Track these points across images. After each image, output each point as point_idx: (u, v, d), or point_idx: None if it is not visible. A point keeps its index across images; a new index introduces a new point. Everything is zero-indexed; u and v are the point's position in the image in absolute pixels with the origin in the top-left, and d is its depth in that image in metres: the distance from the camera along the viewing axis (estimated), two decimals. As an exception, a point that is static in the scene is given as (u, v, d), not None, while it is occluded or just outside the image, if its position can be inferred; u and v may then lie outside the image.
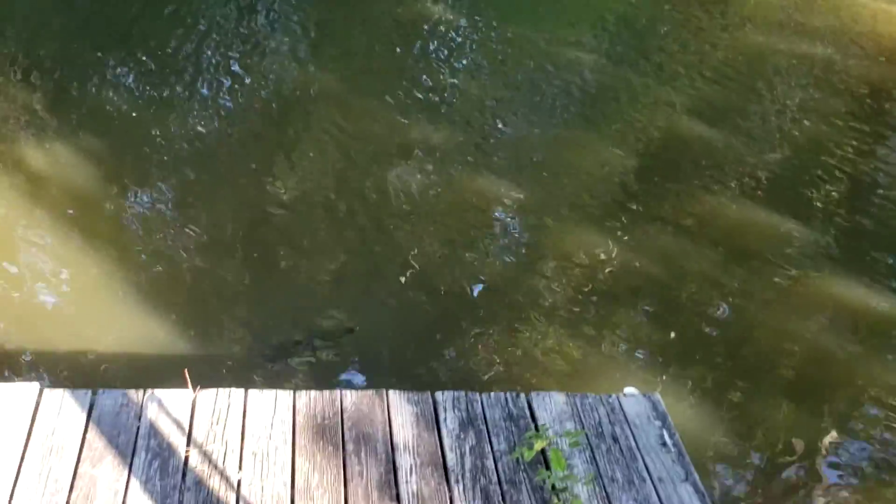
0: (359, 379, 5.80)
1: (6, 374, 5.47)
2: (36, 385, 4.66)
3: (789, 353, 6.46)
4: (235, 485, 4.33)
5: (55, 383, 4.76)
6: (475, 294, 6.58)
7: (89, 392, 4.68)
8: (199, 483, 4.33)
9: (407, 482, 4.41)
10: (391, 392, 4.85)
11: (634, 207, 7.54)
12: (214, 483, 4.33)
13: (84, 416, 4.57)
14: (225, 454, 4.46)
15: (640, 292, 6.73)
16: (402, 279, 6.63)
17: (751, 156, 8.36)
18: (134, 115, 7.98)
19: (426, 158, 7.81)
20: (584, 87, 9.15)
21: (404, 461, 4.51)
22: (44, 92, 8.07)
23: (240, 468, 4.41)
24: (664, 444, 4.71)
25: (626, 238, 7.16)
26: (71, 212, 6.80)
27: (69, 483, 4.26)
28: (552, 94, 8.95)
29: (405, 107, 8.47)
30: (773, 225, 7.57)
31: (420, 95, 8.77)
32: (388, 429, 4.67)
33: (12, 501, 4.16)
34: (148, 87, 8.37)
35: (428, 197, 7.43)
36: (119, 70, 8.53)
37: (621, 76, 9.40)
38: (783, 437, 5.85)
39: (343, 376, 5.82)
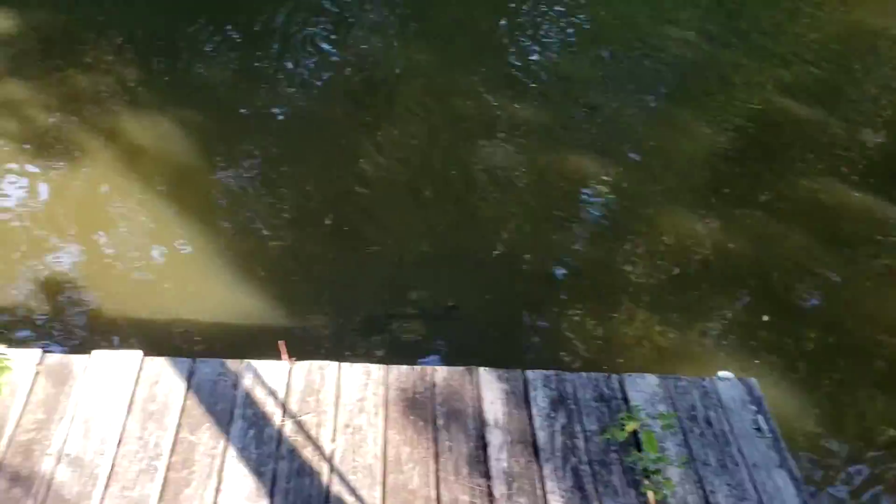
0: (447, 356, 5.83)
1: (110, 341, 5.63)
2: (139, 353, 4.80)
3: (886, 341, 6.30)
4: (328, 455, 4.40)
5: (155, 351, 4.86)
6: (563, 274, 6.56)
7: (189, 361, 4.80)
8: (294, 452, 4.41)
9: (497, 459, 4.43)
10: (482, 369, 4.86)
11: (727, 188, 7.43)
12: (308, 453, 4.41)
13: (183, 383, 4.68)
14: (318, 425, 4.53)
15: (733, 275, 6.63)
16: (490, 257, 6.64)
17: (847, 138, 8.16)
18: (225, 89, 8.11)
19: (515, 136, 7.78)
20: (677, 65, 9.00)
21: (494, 438, 4.53)
22: (138, 66, 8.23)
23: (333, 439, 4.47)
24: (759, 429, 4.64)
25: (718, 219, 7.05)
26: (167, 184, 6.97)
27: (169, 448, 4.38)
28: (644, 73, 8.83)
29: (494, 84, 8.43)
30: (870, 209, 7.39)
31: (509, 72, 8.72)
32: (478, 405, 4.68)
33: (115, 465, 4.30)
34: (238, 62, 8.49)
35: (516, 175, 7.41)
36: (210, 44, 8.65)
37: (715, 55, 9.22)
38: (879, 425, 5.73)
39: (433, 352, 5.86)
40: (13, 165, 7.06)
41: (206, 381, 4.71)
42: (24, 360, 4.68)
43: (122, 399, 4.57)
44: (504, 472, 4.38)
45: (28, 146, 7.23)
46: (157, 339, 5.56)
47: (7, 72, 7.99)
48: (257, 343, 5.43)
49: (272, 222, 6.73)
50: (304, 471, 4.33)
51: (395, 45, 8.99)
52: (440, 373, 4.84)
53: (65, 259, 6.34)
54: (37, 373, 4.66)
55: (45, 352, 4.77)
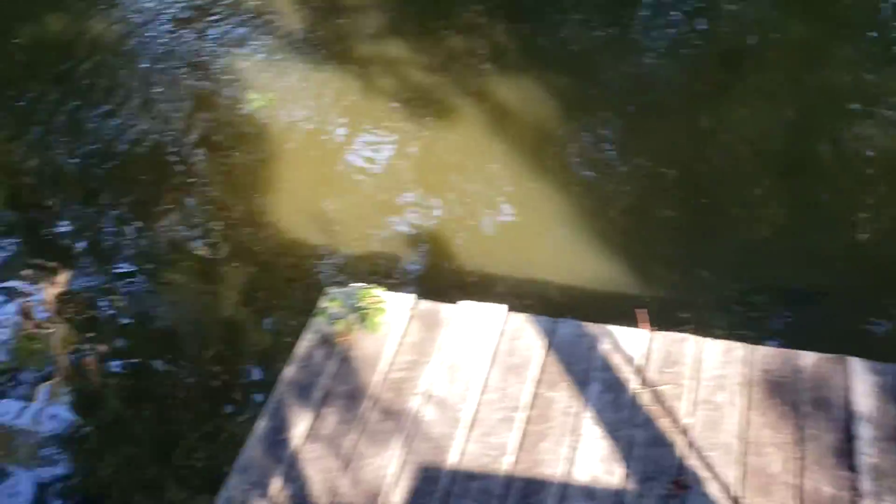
0: (807, 340, 5.55)
1: (469, 293, 5.86)
2: (504, 307, 4.98)
3: None
4: (685, 429, 4.34)
5: (515, 307, 5.02)
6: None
7: (549, 319, 4.92)
8: (649, 422, 4.39)
9: (865, 454, 4.18)
10: (854, 359, 4.59)
11: None
12: (664, 424, 4.37)
13: (543, 341, 4.80)
14: (676, 398, 4.49)
15: None
16: (853, 240, 6.26)
17: None
18: (587, 54, 8.15)
19: (891, 114, 7.24)
20: None
21: (864, 432, 4.27)
22: (507, 29, 8.44)
23: (689, 414, 4.41)
24: None
25: None
26: (525, 144, 7.15)
27: (528, 402, 4.52)
28: None
29: (873, 59, 7.87)
30: None
31: (879, 47, 8.12)
32: (847, 396, 4.44)
33: (477, 411, 4.50)
34: (603, 27, 8.49)
35: (888, 155, 6.90)
36: (577, 9, 8.68)
37: None
38: None
39: (792, 335, 5.62)
40: (385, 121, 7.51)
41: (565, 341, 4.81)
42: (400, 304, 5.01)
43: (486, 349, 4.76)
44: (873, 468, 4.12)
45: (399, 103, 7.66)
46: (516, 295, 5.70)
47: (385, 31, 8.48)
48: (609, 308, 5.45)
49: (626, 191, 6.73)
50: (659, 441, 4.31)
51: (771, 14, 8.53)
52: (807, 358, 4.63)
53: (431, 212, 6.70)
54: (411, 317, 4.97)
55: (418, 298, 5.08)
